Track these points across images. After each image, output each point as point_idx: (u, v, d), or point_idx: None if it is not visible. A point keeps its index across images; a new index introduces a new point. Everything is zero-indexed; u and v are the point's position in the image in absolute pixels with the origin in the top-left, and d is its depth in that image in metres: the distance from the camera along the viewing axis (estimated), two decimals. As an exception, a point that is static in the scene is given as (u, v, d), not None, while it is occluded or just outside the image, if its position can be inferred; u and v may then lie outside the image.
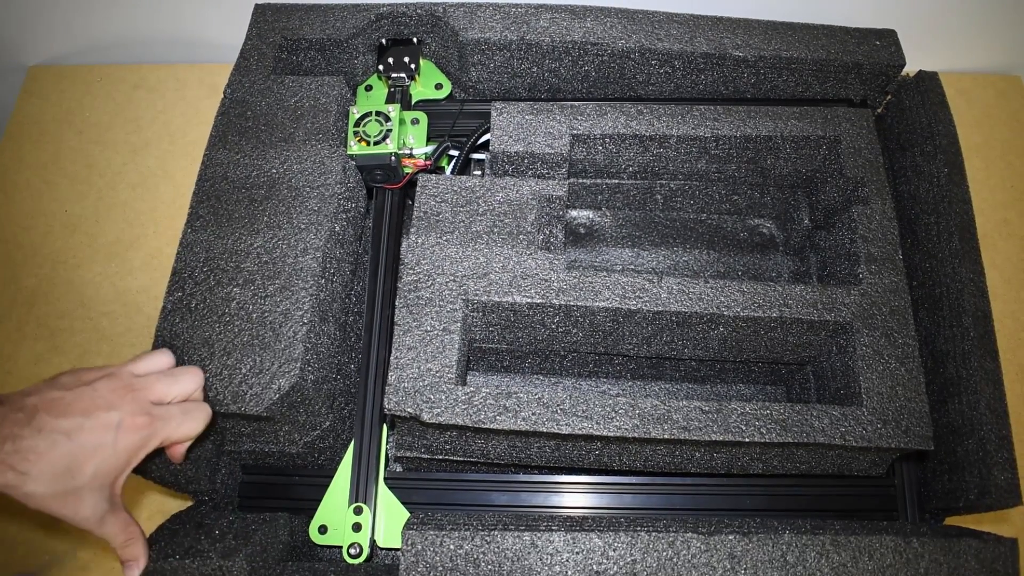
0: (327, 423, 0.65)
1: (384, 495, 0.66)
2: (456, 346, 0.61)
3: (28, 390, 0.48)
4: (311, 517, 0.65)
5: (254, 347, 0.59)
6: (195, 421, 0.53)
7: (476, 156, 0.78)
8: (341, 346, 0.68)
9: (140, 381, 0.51)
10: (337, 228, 0.66)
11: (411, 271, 0.64)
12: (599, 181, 0.80)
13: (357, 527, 0.64)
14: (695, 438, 0.58)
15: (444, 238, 0.66)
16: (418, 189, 0.69)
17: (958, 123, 0.75)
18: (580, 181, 0.80)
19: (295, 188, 0.67)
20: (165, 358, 0.56)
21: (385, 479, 0.66)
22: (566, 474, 0.68)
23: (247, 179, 0.67)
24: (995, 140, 0.96)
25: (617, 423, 0.58)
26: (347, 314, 0.70)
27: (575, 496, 0.67)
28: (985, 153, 0.95)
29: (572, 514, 0.66)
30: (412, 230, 0.66)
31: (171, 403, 0.53)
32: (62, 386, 0.49)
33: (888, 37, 0.79)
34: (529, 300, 0.63)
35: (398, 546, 0.64)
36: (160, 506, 0.77)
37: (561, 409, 0.58)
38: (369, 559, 0.64)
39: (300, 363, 0.58)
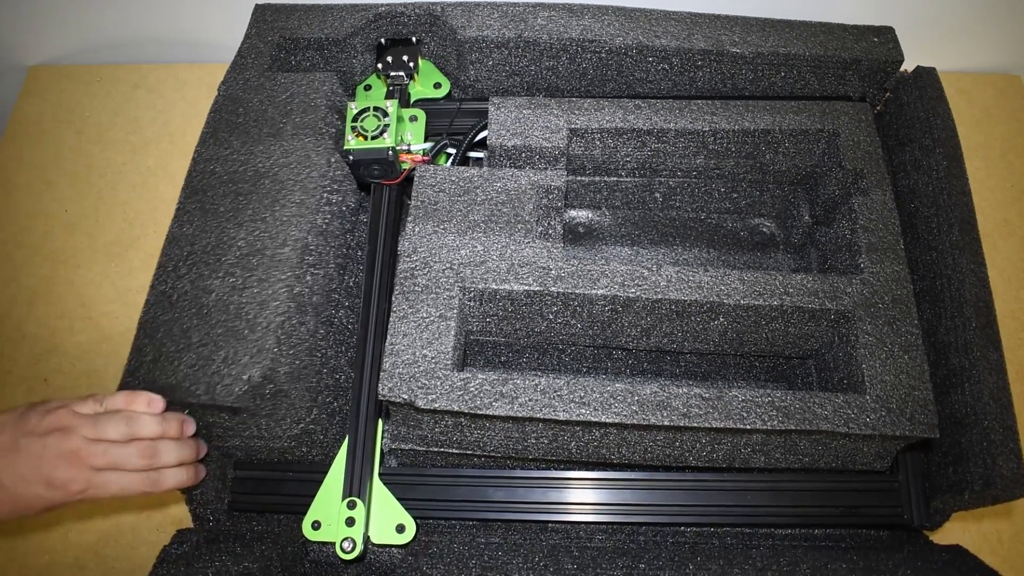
0: (310, 417, 0.64)
1: (379, 490, 0.65)
2: (452, 333, 0.60)
3: None
4: (304, 514, 0.64)
5: (228, 339, 0.58)
6: (127, 488, 0.55)
7: (474, 154, 0.78)
8: (327, 339, 0.67)
9: (93, 447, 0.54)
10: (319, 221, 0.66)
11: (408, 259, 0.64)
12: (597, 179, 0.80)
13: (351, 521, 0.63)
14: (695, 425, 0.57)
15: (441, 226, 0.65)
16: (416, 179, 0.69)
17: (958, 123, 0.75)
18: (578, 179, 0.80)
19: (279, 181, 0.66)
20: (119, 404, 0.57)
21: (380, 474, 0.65)
22: (564, 469, 0.67)
23: (234, 174, 0.67)
24: (995, 139, 0.96)
25: (616, 409, 0.57)
26: (335, 308, 0.69)
27: (573, 492, 0.66)
28: (985, 152, 0.95)
29: (570, 510, 0.65)
30: (409, 219, 0.66)
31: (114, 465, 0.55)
32: (22, 429, 0.53)
33: (886, 34, 0.79)
34: (527, 288, 0.62)
35: (392, 543, 0.63)
36: (156, 500, 0.77)
37: (559, 395, 0.57)
38: (363, 556, 0.63)
39: (271, 354, 0.58)
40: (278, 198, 0.65)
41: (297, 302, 0.61)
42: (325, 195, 0.67)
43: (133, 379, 0.59)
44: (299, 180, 0.66)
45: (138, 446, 0.55)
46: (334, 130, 0.72)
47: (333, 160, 0.69)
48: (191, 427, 0.59)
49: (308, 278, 0.63)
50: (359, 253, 0.75)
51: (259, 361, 0.57)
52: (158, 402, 0.57)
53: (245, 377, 0.57)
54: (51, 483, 0.53)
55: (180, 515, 0.76)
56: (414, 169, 0.72)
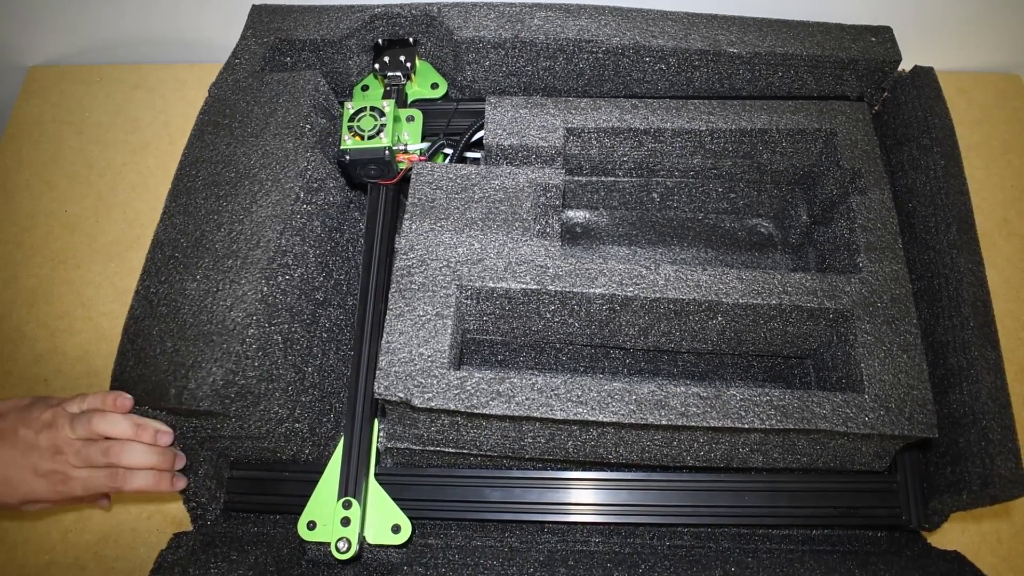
0: (293, 416, 0.64)
1: (375, 491, 0.65)
2: (449, 331, 0.60)
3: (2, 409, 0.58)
4: (300, 514, 0.64)
5: (198, 342, 0.58)
6: (96, 481, 0.58)
7: (471, 155, 0.78)
8: (309, 339, 0.67)
9: (72, 444, 0.57)
10: (295, 222, 0.65)
11: (404, 256, 0.64)
12: (595, 179, 0.80)
13: (346, 521, 0.63)
14: (693, 424, 0.57)
15: (439, 224, 0.65)
16: (413, 176, 0.69)
17: (957, 122, 0.75)
18: (576, 179, 0.79)
19: (258, 182, 0.66)
20: (97, 404, 0.59)
21: (376, 474, 0.65)
22: (561, 469, 0.67)
23: (217, 176, 0.67)
24: (995, 139, 0.95)
25: (613, 409, 0.57)
26: (320, 307, 0.69)
27: (570, 492, 0.66)
28: (985, 152, 0.95)
29: (567, 511, 0.65)
30: (406, 216, 0.66)
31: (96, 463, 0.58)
32: (23, 420, 0.57)
33: (884, 33, 0.79)
34: (524, 286, 0.62)
35: (388, 543, 0.63)
36: (155, 500, 0.77)
37: (556, 394, 0.57)
38: (358, 556, 0.63)
39: (234, 356, 0.57)
40: (256, 199, 0.65)
41: (267, 303, 0.60)
42: (303, 195, 0.66)
43: (118, 384, 0.59)
44: (277, 180, 0.65)
45: (101, 443, 0.57)
46: (317, 129, 0.71)
47: (312, 158, 0.68)
48: (165, 438, 0.60)
49: (280, 279, 0.62)
50: (351, 250, 0.75)
51: (223, 364, 0.57)
52: (124, 400, 0.58)
53: (210, 380, 0.57)
54: (37, 471, 0.56)
55: (179, 515, 0.76)
56: (411, 169, 0.72)
